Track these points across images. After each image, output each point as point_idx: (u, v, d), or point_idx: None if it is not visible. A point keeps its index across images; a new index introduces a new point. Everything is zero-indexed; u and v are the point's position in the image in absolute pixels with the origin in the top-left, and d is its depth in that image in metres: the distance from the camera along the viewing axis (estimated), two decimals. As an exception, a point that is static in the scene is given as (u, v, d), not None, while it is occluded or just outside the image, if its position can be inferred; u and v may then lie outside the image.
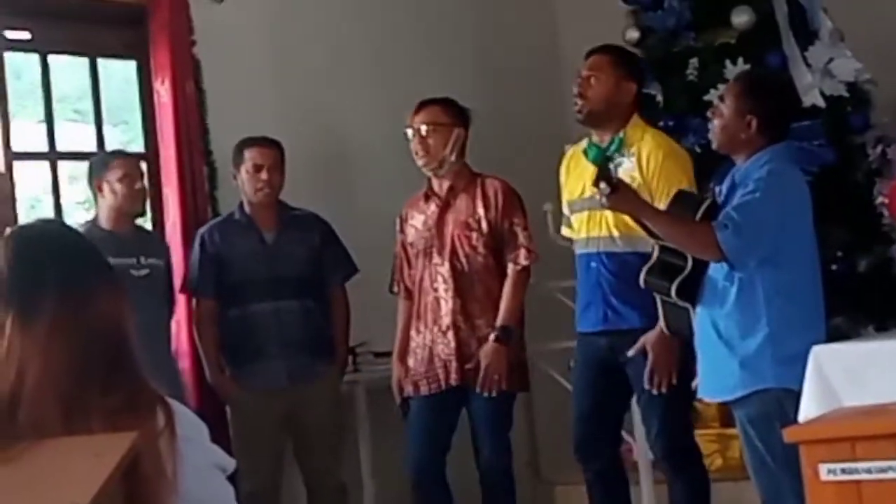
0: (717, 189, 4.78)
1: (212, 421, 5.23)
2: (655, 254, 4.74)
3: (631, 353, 5.12)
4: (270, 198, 5.88)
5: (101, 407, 1.95)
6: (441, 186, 5.73)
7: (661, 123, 6.62)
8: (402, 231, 5.83)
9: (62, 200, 6.00)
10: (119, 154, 5.81)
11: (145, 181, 5.79)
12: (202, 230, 5.90)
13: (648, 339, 5.07)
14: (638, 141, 5.23)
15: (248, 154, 5.83)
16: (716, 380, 4.65)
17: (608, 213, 5.09)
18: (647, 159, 5.18)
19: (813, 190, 4.76)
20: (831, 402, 4.10)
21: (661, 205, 4.88)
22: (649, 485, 6.18)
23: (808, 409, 4.15)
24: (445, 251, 5.65)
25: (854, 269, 6.51)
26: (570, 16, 7.99)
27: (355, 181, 6.33)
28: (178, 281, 5.90)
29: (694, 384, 4.81)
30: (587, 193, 5.17)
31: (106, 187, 5.60)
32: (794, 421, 4.14)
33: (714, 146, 4.77)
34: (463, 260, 5.64)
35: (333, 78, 6.83)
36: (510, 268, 5.61)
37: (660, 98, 6.84)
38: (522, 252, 5.61)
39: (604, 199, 4.52)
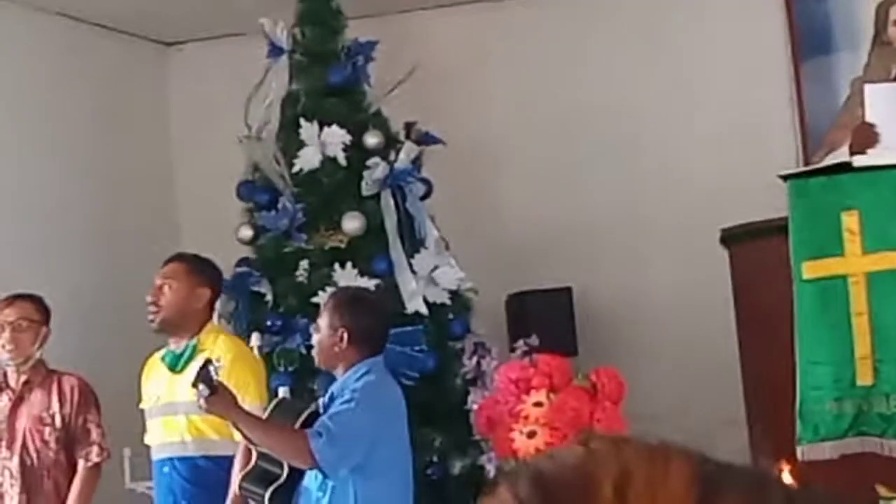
0: (320, 401, 4.89)
1: None
2: (254, 460, 4.80)
3: None
4: None
5: None
6: (17, 379, 5.74)
7: (269, 323, 6.72)
8: None
9: None
10: None
11: None
12: None
13: None
14: (211, 345, 5.33)
15: None
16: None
17: (182, 419, 5.21)
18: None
19: (411, 395, 4.93)
20: None
21: None
22: None
23: None
24: (16, 445, 5.67)
25: (448, 472, 6.70)
26: (192, 215, 8.04)
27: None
28: None
29: None
30: (163, 400, 5.32)
31: None
32: None
33: (316, 363, 4.91)
34: (33, 455, 5.66)
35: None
36: (81, 464, 5.66)
37: (269, 297, 6.91)
38: (95, 449, 5.68)
39: (202, 402, 4.59)
